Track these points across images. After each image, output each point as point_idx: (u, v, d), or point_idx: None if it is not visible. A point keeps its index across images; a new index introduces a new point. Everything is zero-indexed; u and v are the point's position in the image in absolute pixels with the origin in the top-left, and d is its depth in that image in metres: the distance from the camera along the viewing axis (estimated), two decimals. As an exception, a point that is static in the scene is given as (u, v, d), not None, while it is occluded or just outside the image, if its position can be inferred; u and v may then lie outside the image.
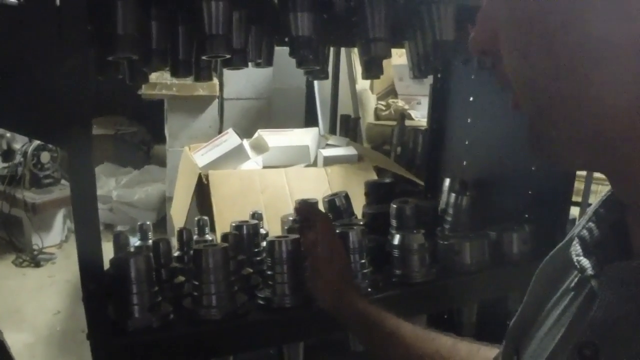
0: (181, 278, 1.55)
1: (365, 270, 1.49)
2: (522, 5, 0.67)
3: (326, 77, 1.71)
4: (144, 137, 7.78)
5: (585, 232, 0.85)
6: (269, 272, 1.44)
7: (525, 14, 0.66)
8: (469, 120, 2.01)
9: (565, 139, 0.69)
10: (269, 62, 1.54)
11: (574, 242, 0.85)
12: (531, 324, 0.96)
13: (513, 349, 0.98)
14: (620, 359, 0.67)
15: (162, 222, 5.68)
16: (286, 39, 1.43)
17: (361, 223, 1.76)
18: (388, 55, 1.50)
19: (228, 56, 1.30)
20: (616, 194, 0.79)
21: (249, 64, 1.47)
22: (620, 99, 0.62)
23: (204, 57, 1.31)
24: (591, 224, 0.85)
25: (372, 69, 1.57)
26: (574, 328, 0.77)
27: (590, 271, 0.78)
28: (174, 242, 1.71)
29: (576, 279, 0.83)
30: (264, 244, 1.60)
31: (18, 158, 5.66)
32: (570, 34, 0.62)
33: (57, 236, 5.84)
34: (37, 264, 5.43)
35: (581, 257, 0.81)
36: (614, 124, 0.64)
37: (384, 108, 5.19)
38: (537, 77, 0.68)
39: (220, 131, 5.01)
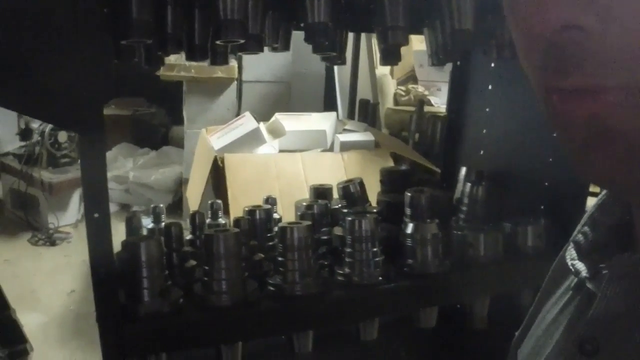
0: (192, 262, 1.54)
1: (377, 259, 1.48)
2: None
3: (343, 63, 1.70)
4: (163, 119, 7.80)
5: (580, 237, 0.85)
6: (280, 259, 1.43)
7: (523, 13, 0.64)
8: (487, 110, 1.99)
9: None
10: (285, 47, 1.53)
11: (569, 247, 0.85)
12: (529, 327, 0.96)
13: (512, 356, 0.98)
14: (621, 353, 0.66)
15: (178, 204, 5.71)
16: (303, 25, 1.42)
17: (375, 211, 1.75)
18: (405, 42, 1.48)
19: (243, 41, 1.29)
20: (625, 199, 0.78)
21: (266, 48, 1.47)
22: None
23: (218, 42, 1.30)
24: (586, 228, 0.84)
25: (390, 56, 1.56)
26: (574, 325, 0.77)
27: (585, 274, 0.78)
28: (189, 225, 1.71)
29: (574, 282, 0.83)
30: (277, 229, 1.59)
31: (35, 137, 5.69)
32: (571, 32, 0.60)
33: (73, 216, 5.87)
34: (53, 243, 5.45)
35: (576, 261, 0.81)
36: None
37: (403, 94, 5.17)
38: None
39: (238, 114, 5.01)
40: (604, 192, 0.83)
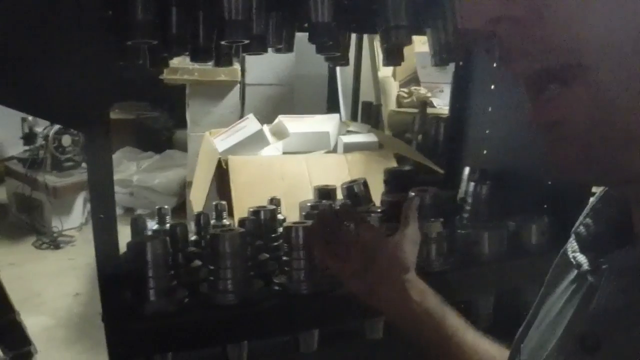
0: (198, 262, 1.55)
1: (382, 259, 1.48)
2: (519, 5, 0.65)
3: (346, 64, 1.71)
4: (166, 122, 7.80)
5: (582, 229, 0.85)
6: (285, 258, 1.44)
7: (525, 13, 0.64)
8: (490, 109, 2.00)
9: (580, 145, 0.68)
10: (289, 48, 1.53)
11: (571, 239, 0.86)
12: (532, 321, 0.96)
13: (516, 350, 0.98)
14: (623, 348, 0.67)
15: (182, 207, 5.69)
16: (306, 25, 1.42)
17: (379, 211, 1.76)
18: (408, 42, 1.49)
19: (247, 42, 1.29)
20: (620, 195, 0.79)
21: (270, 49, 1.47)
22: (621, 97, 0.61)
23: (222, 43, 1.30)
24: (588, 220, 0.85)
25: (393, 57, 1.56)
26: (576, 320, 0.77)
27: (586, 266, 0.78)
28: (193, 227, 1.71)
29: (576, 274, 0.83)
30: (282, 229, 1.60)
31: (40, 141, 5.70)
32: (571, 33, 0.61)
33: (77, 219, 5.87)
34: (57, 247, 5.46)
35: (577, 254, 0.82)
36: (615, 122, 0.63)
37: (406, 95, 5.16)
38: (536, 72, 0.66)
39: (241, 117, 5.00)
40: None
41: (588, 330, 0.71)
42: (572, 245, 0.85)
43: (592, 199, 0.87)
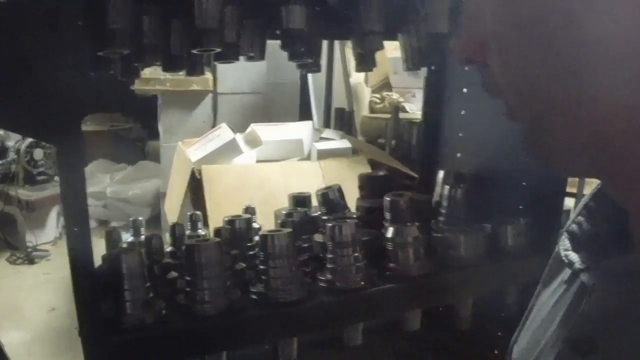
0: (174, 274, 1.54)
1: (359, 264, 1.48)
2: (522, 6, 0.65)
3: (318, 70, 1.70)
4: (139, 133, 7.78)
5: (574, 227, 0.85)
6: (262, 267, 1.43)
7: (525, 14, 0.65)
8: (463, 112, 2.00)
9: (563, 143, 0.68)
10: (261, 55, 1.53)
11: (563, 237, 0.85)
12: (525, 320, 0.96)
13: (512, 351, 0.98)
14: (618, 353, 0.66)
15: (156, 218, 5.68)
16: (278, 32, 1.42)
17: (355, 216, 1.75)
18: (380, 47, 1.49)
19: (219, 50, 1.29)
20: (613, 197, 0.78)
21: (241, 57, 1.47)
22: (620, 99, 0.61)
23: (195, 51, 1.30)
24: (580, 218, 0.84)
25: (365, 62, 1.56)
26: (566, 322, 0.77)
27: (578, 265, 0.78)
28: (168, 238, 1.70)
29: (568, 274, 0.83)
30: (257, 238, 1.59)
31: (11, 155, 5.66)
32: (571, 34, 0.61)
33: (51, 233, 5.83)
34: (32, 261, 5.42)
35: (569, 252, 0.81)
36: (612, 125, 0.63)
37: (378, 101, 5.19)
38: (535, 79, 0.66)
39: (214, 126, 5.00)
40: (600, 181, 0.83)
41: (578, 332, 0.70)
42: (564, 243, 0.84)
43: (584, 198, 0.87)
